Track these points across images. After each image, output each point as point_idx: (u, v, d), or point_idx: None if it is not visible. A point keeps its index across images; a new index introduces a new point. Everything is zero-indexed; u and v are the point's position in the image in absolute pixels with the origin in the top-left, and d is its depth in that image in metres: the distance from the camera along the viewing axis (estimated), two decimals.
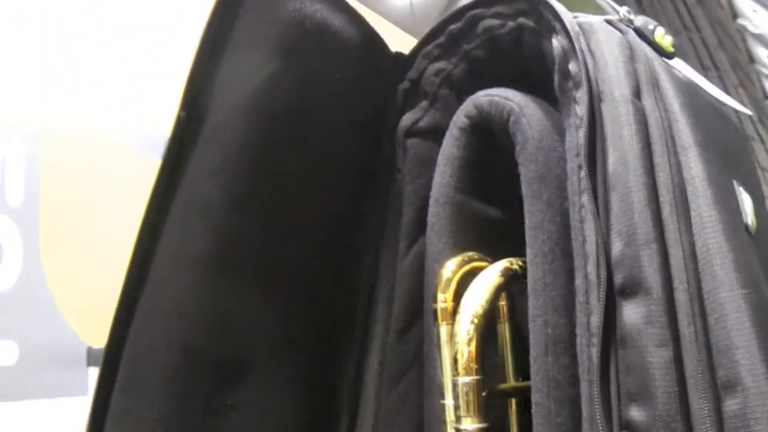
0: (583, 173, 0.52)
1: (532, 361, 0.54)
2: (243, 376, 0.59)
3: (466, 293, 0.58)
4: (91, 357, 2.25)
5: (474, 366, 0.57)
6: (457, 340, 0.57)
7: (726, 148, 0.57)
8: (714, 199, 0.49)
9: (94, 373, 2.31)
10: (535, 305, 0.55)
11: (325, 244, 0.64)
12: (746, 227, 0.53)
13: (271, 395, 0.60)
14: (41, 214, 1.22)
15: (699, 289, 0.48)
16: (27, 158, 1.25)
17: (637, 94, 0.52)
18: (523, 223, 0.58)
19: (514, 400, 0.60)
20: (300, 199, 0.61)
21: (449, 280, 0.60)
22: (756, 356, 0.46)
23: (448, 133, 0.63)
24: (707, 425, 0.46)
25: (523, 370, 0.59)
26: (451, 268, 0.60)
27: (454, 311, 0.59)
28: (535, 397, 0.54)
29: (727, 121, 0.65)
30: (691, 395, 0.47)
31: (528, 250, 0.56)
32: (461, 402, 0.57)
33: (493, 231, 0.63)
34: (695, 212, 0.50)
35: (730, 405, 0.46)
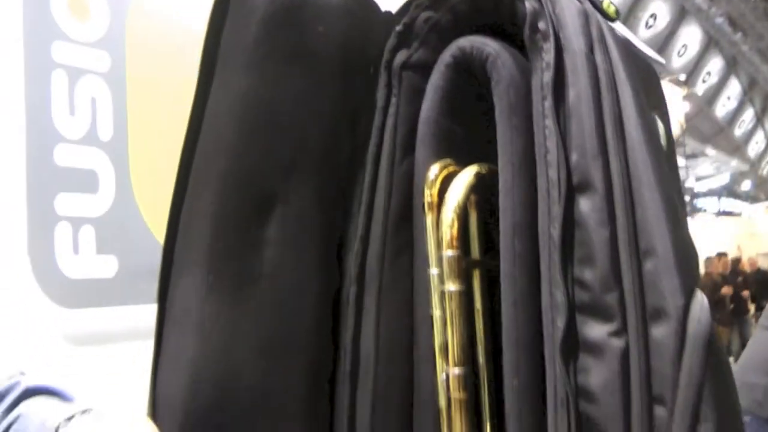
0: (548, 103, 0.72)
1: (501, 240, 0.74)
2: (271, 207, 0.75)
3: (450, 189, 0.77)
4: None
5: (456, 243, 0.76)
6: (443, 224, 0.76)
7: (647, 87, 0.78)
8: (641, 124, 0.70)
9: None
10: (504, 200, 0.74)
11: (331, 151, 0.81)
12: (661, 145, 0.75)
13: (294, 233, 0.76)
14: (130, 146, 1.32)
15: (629, 186, 0.69)
16: (114, 97, 1.34)
17: (590, 48, 0.72)
18: (487, 140, 0.78)
19: (478, 271, 0.79)
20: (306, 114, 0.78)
21: (433, 181, 0.79)
22: (665, 233, 0.68)
23: (435, 68, 0.81)
24: (632, 279, 0.68)
25: (492, 249, 0.79)
26: (434, 172, 0.79)
27: (438, 204, 0.78)
28: (503, 267, 0.73)
29: (648, 66, 0.87)
30: (622, 260, 0.69)
31: (499, 159, 0.75)
32: (445, 270, 0.76)
33: (465, 145, 0.82)
34: (628, 134, 0.70)
35: (648, 266, 0.68)
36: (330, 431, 0.80)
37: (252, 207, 0.76)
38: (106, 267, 1.32)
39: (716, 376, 0.65)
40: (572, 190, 0.70)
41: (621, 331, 0.68)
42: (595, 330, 0.69)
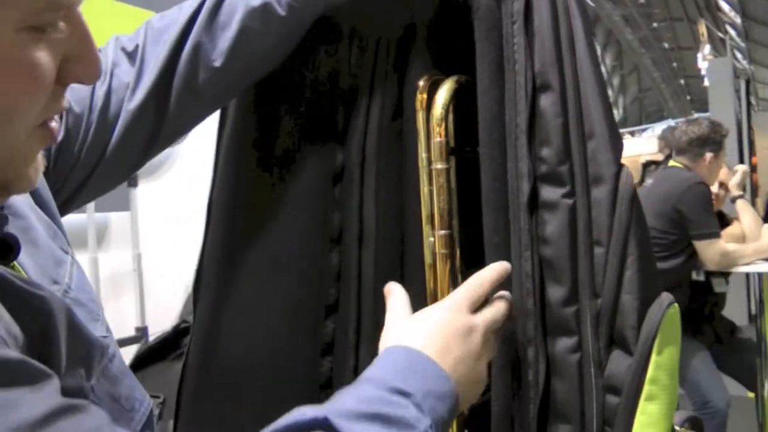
0: (517, 26, 0.95)
1: (480, 129, 0.96)
2: None
3: (438, 91, 0.99)
4: None
5: (443, 132, 0.98)
6: (433, 118, 0.98)
7: (590, 17, 1.02)
8: (587, 43, 0.95)
9: None
10: (482, 99, 0.96)
11: None
12: (598, 59, 1.00)
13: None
14: None
15: (578, 87, 0.93)
16: None
17: None
18: (465, 55, 1.00)
19: (453, 157, 1.02)
20: None
21: (424, 86, 1.00)
22: (603, 120, 0.92)
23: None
24: (579, 154, 0.92)
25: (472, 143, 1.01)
26: (425, 79, 1.01)
27: (428, 104, 1.00)
28: (483, 150, 0.96)
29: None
30: (571, 141, 0.92)
31: (478, 68, 0.97)
32: (434, 153, 0.98)
33: (448, 60, 1.04)
34: (577, 49, 0.94)
35: (590, 144, 0.92)
36: (337, 287, 1.00)
37: None
38: None
39: (638, 222, 0.90)
40: (535, 90, 0.94)
41: (570, 193, 0.92)
42: (551, 193, 0.93)
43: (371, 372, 0.69)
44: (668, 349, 0.90)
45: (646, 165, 4.16)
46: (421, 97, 1.00)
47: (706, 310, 3.25)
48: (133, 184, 2.77)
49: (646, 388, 0.88)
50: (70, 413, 0.47)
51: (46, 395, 0.47)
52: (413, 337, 0.74)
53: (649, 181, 3.41)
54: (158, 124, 0.92)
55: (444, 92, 0.99)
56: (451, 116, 1.02)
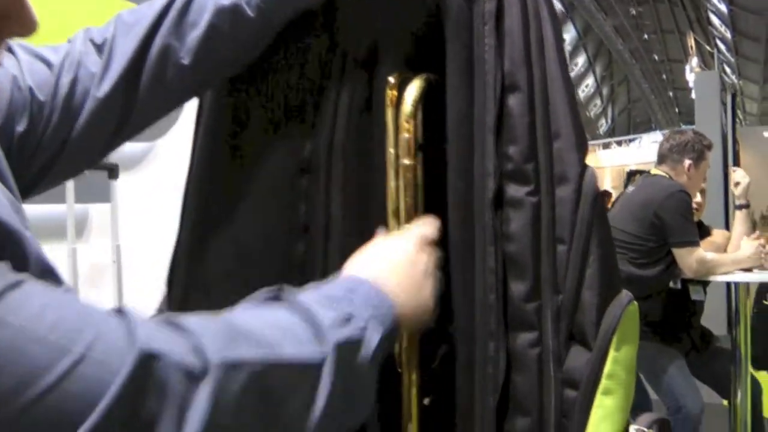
0: (488, 27, 0.97)
1: (449, 127, 0.98)
2: None
3: (407, 88, 1.00)
4: None
5: (411, 129, 1.00)
6: (402, 114, 1.00)
7: (560, 22, 1.04)
8: (557, 47, 0.97)
9: None
10: (452, 97, 0.98)
11: None
12: (567, 62, 1.02)
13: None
14: None
15: (545, 88, 0.95)
16: None
17: None
18: (435, 54, 1.02)
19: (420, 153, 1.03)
20: None
21: (395, 83, 1.02)
22: (569, 122, 0.94)
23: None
24: (544, 154, 0.94)
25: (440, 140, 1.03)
26: (395, 75, 1.02)
27: (398, 100, 1.01)
28: (451, 147, 0.98)
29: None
30: (538, 140, 0.95)
31: (448, 67, 0.99)
32: (401, 148, 1.00)
33: (418, 58, 1.05)
34: (547, 53, 0.96)
35: (556, 144, 0.94)
36: (302, 279, 1.02)
37: None
38: None
39: (600, 222, 0.92)
40: (504, 90, 0.96)
41: (535, 192, 0.94)
42: (516, 190, 0.95)
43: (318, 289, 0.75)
44: (626, 345, 0.92)
45: (631, 174, 4.19)
46: (391, 94, 1.01)
47: (684, 318, 3.28)
48: (114, 176, 2.77)
49: (603, 383, 0.90)
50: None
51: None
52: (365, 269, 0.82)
53: (630, 188, 3.44)
54: (125, 115, 0.93)
55: (414, 89, 1.00)
56: (420, 113, 1.04)
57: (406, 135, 1.00)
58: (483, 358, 0.93)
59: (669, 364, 3.11)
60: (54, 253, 2.62)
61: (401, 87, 1.02)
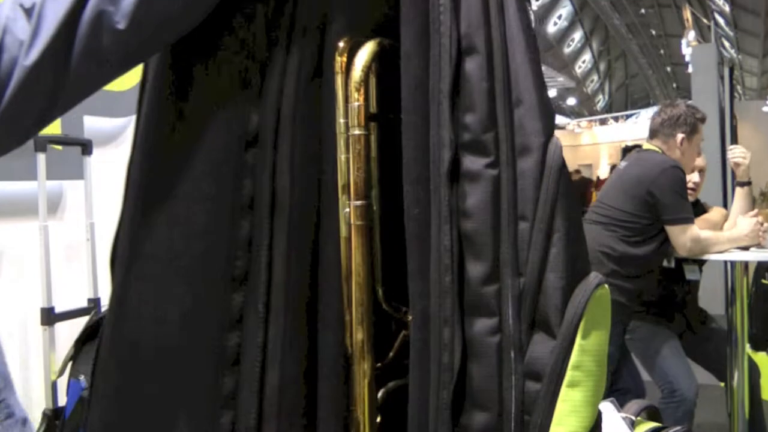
0: None
1: (403, 95, 0.89)
2: None
3: (358, 53, 0.92)
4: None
5: (362, 97, 0.91)
6: (351, 81, 0.91)
7: None
8: (518, 7, 0.88)
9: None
10: (405, 64, 0.90)
11: None
12: (531, 25, 0.93)
13: None
14: None
15: (506, 51, 0.86)
16: None
17: None
18: (388, 18, 0.93)
19: (374, 124, 0.95)
20: None
21: (344, 48, 0.93)
22: (532, 88, 0.86)
23: None
24: (505, 122, 0.85)
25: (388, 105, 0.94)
26: (345, 40, 0.93)
27: (347, 67, 0.92)
28: (405, 117, 0.89)
29: None
30: (497, 107, 0.86)
31: (402, 31, 0.90)
32: (351, 118, 0.91)
33: (371, 24, 0.97)
34: (507, 12, 0.88)
35: (518, 112, 0.86)
36: (247, 258, 0.93)
37: None
38: None
39: (565, 196, 0.84)
40: (460, 54, 0.87)
41: (495, 164, 0.85)
42: (474, 162, 0.86)
43: None
44: (595, 332, 0.83)
45: (626, 149, 4.09)
46: (341, 60, 0.93)
47: (678, 298, 3.20)
48: (88, 152, 2.68)
49: (569, 374, 0.82)
50: None
51: None
52: None
53: (623, 164, 3.34)
54: (57, 86, 0.85)
55: (364, 54, 0.92)
56: (372, 80, 0.96)
57: (356, 103, 0.91)
58: (437, 347, 0.85)
59: (662, 345, 3.04)
60: (27, 230, 2.55)
61: (351, 53, 0.93)
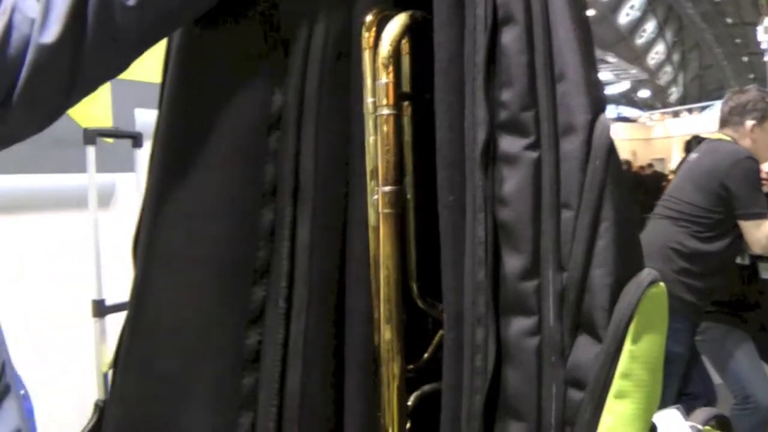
0: None
1: (437, 71, 0.81)
2: None
3: (386, 27, 0.84)
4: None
5: (391, 74, 0.83)
6: (379, 56, 0.84)
7: None
8: None
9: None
10: (439, 36, 0.82)
11: None
12: None
13: None
14: None
15: (547, 21, 0.78)
16: None
17: None
18: None
19: (408, 104, 0.87)
20: None
21: (372, 22, 0.86)
22: (577, 61, 0.76)
23: None
24: (546, 99, 0.76)
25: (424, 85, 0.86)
26: (373, 13, 0.86)
27: (375, 42, 0.85)
28: (438, 95, 0.81)
29: None
30: (538, 83, 0.77)
31: (435, 1, 0.82)
32: (379, 96, 0.84)
33: None
34: None
35: (561, 88, 0.77)
36: (269, 248, 0.87)
37: None
38: None
39: (615, 182, 0.74)
40: (496, 23, 0.78)
41: (535, 145, 0.77)
42: (512, 144, 0.77)
43: None
44: (648, 337, 0.74)
45: (694, 140, 3.91)
46: (368, 35, 0.85)
47: (751, 298, 3.04)
48: (139, 144, 2.66)
49: (617, 383, 0.72)
50: None
51: None
52: None
53: (693, 155, 3.17)
54: (75, 64, 0.81)
55: (393, 28, 0.84)
56: (405, 57, 0.88)
57: (384, 80, 0.84)
58: (470, 349, 0.77)
59: (735, 348, 2.88)
60: (79, 223, 2.55)
61: (380, 27, 0.85)
